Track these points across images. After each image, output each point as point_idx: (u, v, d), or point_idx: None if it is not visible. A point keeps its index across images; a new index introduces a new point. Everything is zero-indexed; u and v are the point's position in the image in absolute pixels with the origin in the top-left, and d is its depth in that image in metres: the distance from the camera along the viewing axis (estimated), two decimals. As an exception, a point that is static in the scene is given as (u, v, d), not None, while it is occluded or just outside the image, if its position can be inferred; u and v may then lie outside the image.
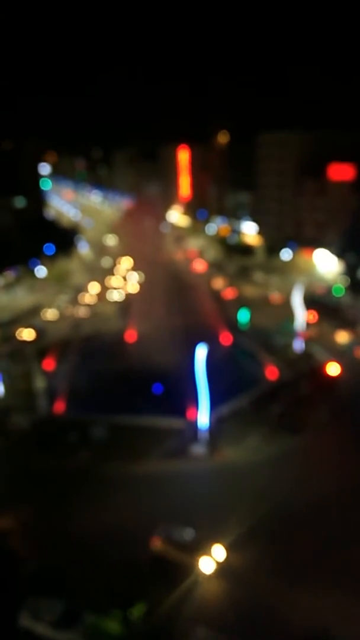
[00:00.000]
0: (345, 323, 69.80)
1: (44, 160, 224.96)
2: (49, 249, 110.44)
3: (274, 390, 52.38)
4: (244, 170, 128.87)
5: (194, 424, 45.02)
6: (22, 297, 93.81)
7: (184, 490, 40.07)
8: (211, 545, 32.81)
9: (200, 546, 32.93)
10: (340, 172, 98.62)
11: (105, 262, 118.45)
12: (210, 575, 31.86)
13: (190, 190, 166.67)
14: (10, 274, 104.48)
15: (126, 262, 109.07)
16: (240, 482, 40.79)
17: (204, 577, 31.85)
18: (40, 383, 57.22)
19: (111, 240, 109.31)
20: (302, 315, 62.75)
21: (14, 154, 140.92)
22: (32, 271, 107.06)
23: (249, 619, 29.06)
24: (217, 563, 32.25)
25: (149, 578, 31.27)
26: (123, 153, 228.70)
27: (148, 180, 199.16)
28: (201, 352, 44.14)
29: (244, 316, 72.26)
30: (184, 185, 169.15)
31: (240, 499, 38.50)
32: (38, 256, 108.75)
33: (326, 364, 56.50)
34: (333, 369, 55.14)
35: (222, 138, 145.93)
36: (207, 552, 32.49)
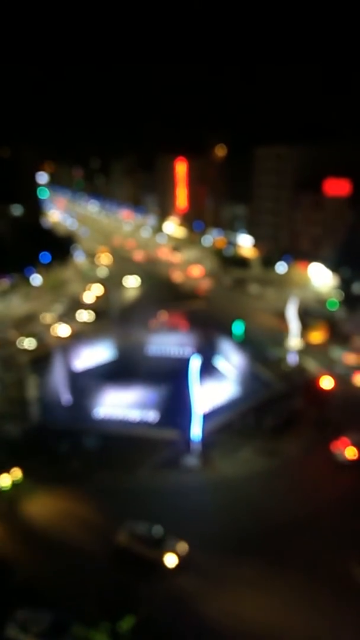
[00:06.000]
0: (338, 337, 70.06)
1: (42, 169, 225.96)
2: (45, 257, 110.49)
3: (267, 403, 52.36)
4: (241, 183, 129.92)
5: (186, 436, 44.88)
6: (17, 306, 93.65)
7: (175, 501, 39.91)
8: (176, 542, 33.97)
9: (165, 542, 33.96)
10: (336, 187, 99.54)
11: (101, 271, 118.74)
12: (172, 569, 32.89)
13: (187, 202, 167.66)
14: (5, 282, 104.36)
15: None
16: (231, 494, 40.71)
17: (167, 570, 32.88)
18: (33, 391, 56.97)
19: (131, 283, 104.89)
20: (296, 328, 62.89)
21: (11, 162, 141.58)
22: (28, 279, 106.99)
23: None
24: (180, 558, 33.33)
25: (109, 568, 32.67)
26: (121, 163, 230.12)
27: (145, 191, 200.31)
28: (195, 363, 44.10)
29: (238, 328, 72.35)
30: (181, 196, 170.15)
31: (230, 510, 38.60)
32: (34, 264, 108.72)
33: (320, 377, 56.55)
34: (327, 382, 55.18)
35: (220, 151, 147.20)
36: (172, 548, 33.64)
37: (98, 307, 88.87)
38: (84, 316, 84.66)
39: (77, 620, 28.83)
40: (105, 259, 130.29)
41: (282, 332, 69.62)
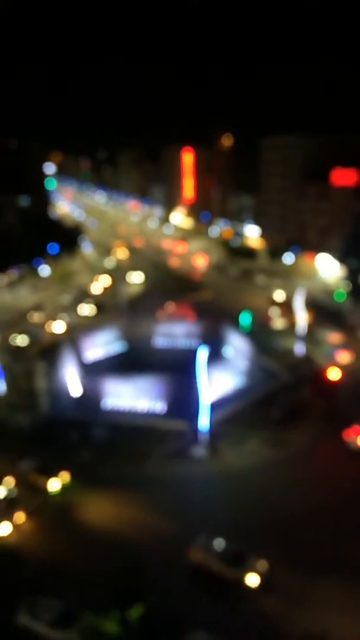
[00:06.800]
0: (344, 328, 70.10)
1: (49, 160, 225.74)
2: (53, 248, 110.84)
3: (273, 394, 52.56)
4: (248, 172, 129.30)
5: (194, 426, 45.21)
6: (25, 296, 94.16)
7: (184, 491, 40.38)
8: (254, 559, 32.52)
9: (243, 560, 32.43)
10: (343, 177, 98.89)
11: (109, 262, 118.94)
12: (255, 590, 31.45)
13: (193, 193, 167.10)
14: (13, 273, 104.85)
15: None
16: (239, 484, 41.07)
17: (250, 591, 31.40)
18: (42, 382, 57.49)
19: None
20: (303, 319, 62.89)
21: (19, 153, 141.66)
22: (36, 270, 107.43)
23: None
24: (263, 578, 31.80)
25: (190, 589, 31.25)
26: (128, 154, 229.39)
27: (152, 181, 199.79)
28: (202, 354, 44.30)
29: (245, 319, 72.45)
30: (188, 187, 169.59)
31: (239, 501, 38.98)
32: (42, 255, 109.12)
33: (327, 368, 56.68)
34: (334, 373, 55.31)
35: (227, 141, 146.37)
36: (252, 566, 32.09)
37: (103, 300, 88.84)
38: (86, 310, 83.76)
39: (87, 608, 29.37)
40: (121, 253, 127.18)
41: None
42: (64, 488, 41.49)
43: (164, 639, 28.23)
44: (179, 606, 30.47)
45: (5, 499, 39.52)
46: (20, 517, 38.33)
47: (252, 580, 31.59)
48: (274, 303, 79.70)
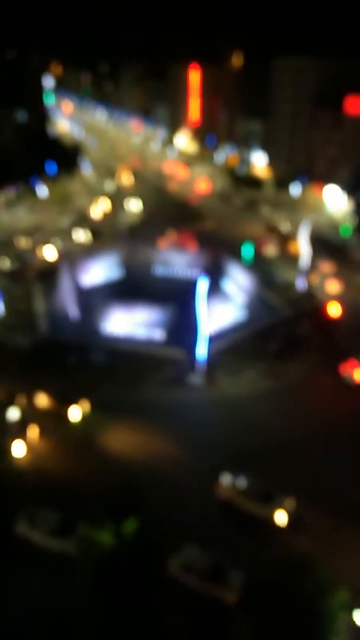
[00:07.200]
0: (349, 264, 69.36)
1: (48, 72, 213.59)
2: (51, 167, 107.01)
3: (272, 328, 52.66)
4: (257, 96, 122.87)
5: (192, 355, 45.53)
6: (23, 217, 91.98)
7: (180, 415, 41.35)
8: (281, 497, 32.79)
9: (272, 498, 32.65)
10: (357, 105, 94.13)
11: (109, 185, 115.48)
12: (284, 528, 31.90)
13: (199, 114, 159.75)
14: (10, 192, 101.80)
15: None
16: (233, 411, 42.05)
17: (279, 529, 31.83)
18: (40, 304, 57.28)
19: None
20: (307, 253, 61.96)
21: (16, 64, 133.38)
22: (33, 190, 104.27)
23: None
24: (290, 516, 32.19)
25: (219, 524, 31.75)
26: (131, 69, 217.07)
27: (156, 100, 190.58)
28: (202, 285, 43.79)
29: (248, 251, 71.39)
30: (194, 108, 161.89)
31: (234, 427, 40.17)
32: (39, 175, 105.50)
33: (327, 304, 56.53)
34: (334, 309, 55.23)
35: (236, 60, 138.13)
36: (279, 503, 32.35)
37: (99, 226, 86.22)
38: (81, 236, 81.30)
39: (83, 519, 30.64)
40: (126, 178, 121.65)
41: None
42: (83, 417, 41.40)
43: (155, 552, 29.63)
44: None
45: (18, 420, 39.81)
46: (33, 438, 38.86)
47: (281, 518, 32.04)
48: (269, 230, 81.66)
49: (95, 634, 26.41)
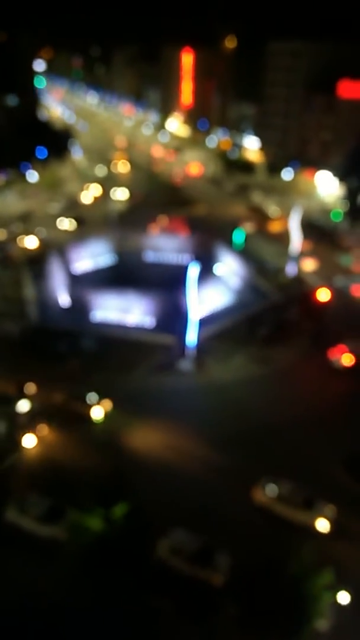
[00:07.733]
0: (338, 248, 69.38)
1: (39, 56, 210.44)
2: (41, 152, 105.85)
3: (262, 313, 52.70)
4: (251, 79, 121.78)
5: (182, 341, 45.55)
6: (12, 203, 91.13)
7: (169, 401, 41.44)
8: (322, 503, 31.73)
9: (313, 504, 31.59)
10: (351, 89, 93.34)
11: (100, 170, 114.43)
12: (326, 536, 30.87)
13: (192, 98, 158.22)
14: (0, 177, 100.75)
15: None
16: (222, 396, 42.25)
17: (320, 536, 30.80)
18: (30, 291, 56.97)
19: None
20: (298, 239, 61.84)
21: (6, 48, 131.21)
22: (23, 175, 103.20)
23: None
24: (332, 523, 31.14)
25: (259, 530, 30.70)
26: (123, 52, 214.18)
27: (148, 84, 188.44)
28: (193, 270, 43.66)
29: (239, 237, 71.15)
30: (186, 91, 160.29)
31: (220, 410, 40.60)
32: (29, 160, 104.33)
33: (316, 289, 56.56)
34: (323, 294, 55.29)
35: (230, 43, 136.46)
36: (320, 511, 31.29)
37: (83, 214, 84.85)
38: (65, 224, 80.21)
39: (72, 505, 30.78)
40: (122, 166, 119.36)
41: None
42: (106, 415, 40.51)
43: (144, 536, 29.85)
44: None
45: (28, 412, 39.54)
46: (43, 429, 38.62)
47: (322, 525, 31.06)
48: (252, 210, 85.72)
49: (84, 617, 26.66)
